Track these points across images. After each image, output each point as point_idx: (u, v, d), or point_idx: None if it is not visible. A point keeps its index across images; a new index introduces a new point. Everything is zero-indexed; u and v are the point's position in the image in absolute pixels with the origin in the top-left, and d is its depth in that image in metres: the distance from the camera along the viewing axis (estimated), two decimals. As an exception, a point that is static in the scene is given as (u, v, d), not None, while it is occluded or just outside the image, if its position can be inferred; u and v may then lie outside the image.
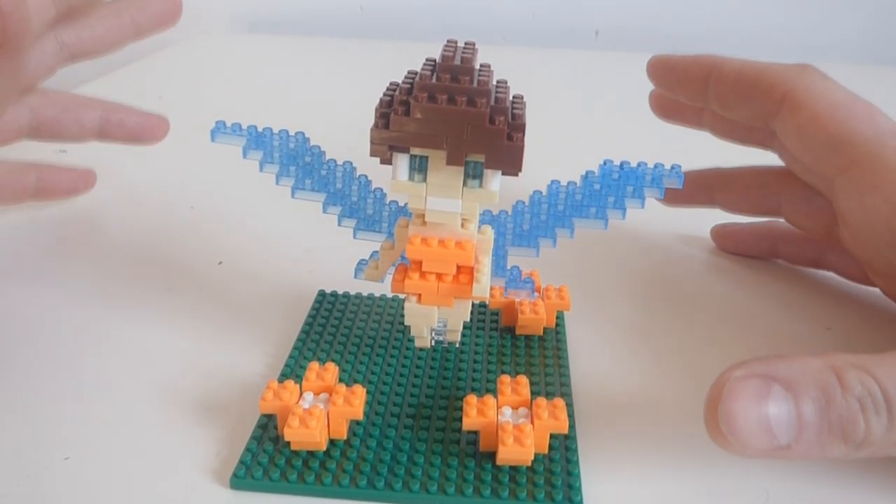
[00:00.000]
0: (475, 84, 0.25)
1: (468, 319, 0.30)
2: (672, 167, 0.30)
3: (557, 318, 0.36)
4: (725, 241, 0.45)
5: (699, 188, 0.44)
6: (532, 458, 0.27)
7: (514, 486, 0.27)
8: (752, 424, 0.24)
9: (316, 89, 0.74)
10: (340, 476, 0.27)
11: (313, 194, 0.31)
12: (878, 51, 0.94)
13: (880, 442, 0.24)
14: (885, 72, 0.88)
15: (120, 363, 0.33)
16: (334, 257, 0.36)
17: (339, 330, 0.35)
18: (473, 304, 0.35)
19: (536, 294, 0.35)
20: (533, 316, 0.34)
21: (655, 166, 0.30)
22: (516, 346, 0.34)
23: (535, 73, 0.81)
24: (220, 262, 0.41)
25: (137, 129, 0.44)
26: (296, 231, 0.44)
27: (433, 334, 0.31)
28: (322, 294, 0.38)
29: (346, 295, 0.38)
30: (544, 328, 0.35)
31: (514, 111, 0.26)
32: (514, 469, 0.27)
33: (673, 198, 0.43)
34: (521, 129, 0.25)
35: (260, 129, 0.31)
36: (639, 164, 0.30)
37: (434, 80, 0.25)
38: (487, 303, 0.36)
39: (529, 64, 0.85)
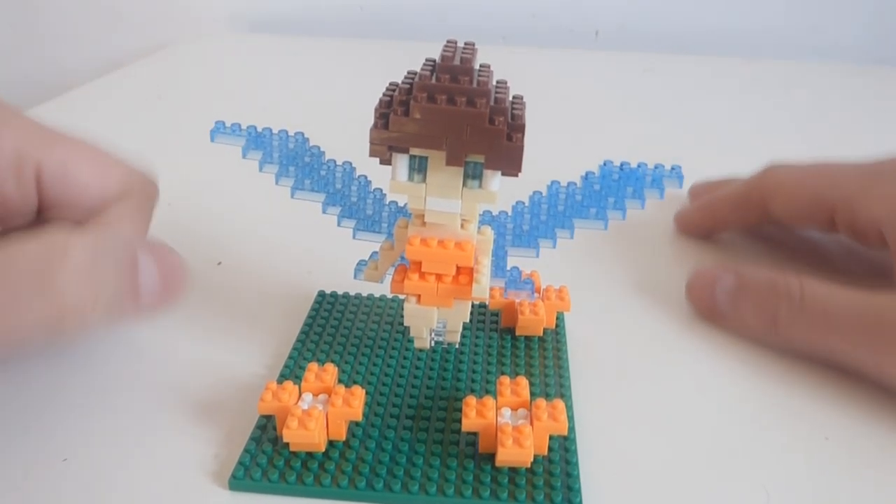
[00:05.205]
0: (475, 84, 0.25)
1: (468, 320, 0.30)
2: (672, 168, 0.30)
3: (557, 318, 0.36)
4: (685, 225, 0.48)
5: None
6: (531, 459, 0.27)
7: (513, 487, 0.26)
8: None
9: (316, 89, 0.74)
10: (339, 477, 0.27)
11: (313, 194, 0.31)
12: (878, 51, 0.94)
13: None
14: (885, 72, 0.88)
15: (118, 363, 0.33)
16: (334, 257, 0.36)
17: (338, 331, 0.35)
18: (473, 305, 0.35)
19: (536, 295, 0.35)
20: (533, 317, 0.34)
21: (655, 167, 0.30)
22: (516, 347, 0.34)
23: (535, 73, 0.81)
24: (220, 263, 0.41)
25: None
26: (296, 231, 0.44)
27: (433, 335, 0.31)
28: (322, 294, 0.37)
29: (345, 295, 0.38)
30: (544, 329, 0.35)
31: (514, 111, 0.26)
32: (514, 470, 0.27)
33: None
34: (521, 129, 0.25)
35: (259, 130, 0.31)
36: (639, 165, 0.30)
37: (433, 81, 0.25)
38: (487, 304, 0.36)
39: (529, 64, 0.85)
